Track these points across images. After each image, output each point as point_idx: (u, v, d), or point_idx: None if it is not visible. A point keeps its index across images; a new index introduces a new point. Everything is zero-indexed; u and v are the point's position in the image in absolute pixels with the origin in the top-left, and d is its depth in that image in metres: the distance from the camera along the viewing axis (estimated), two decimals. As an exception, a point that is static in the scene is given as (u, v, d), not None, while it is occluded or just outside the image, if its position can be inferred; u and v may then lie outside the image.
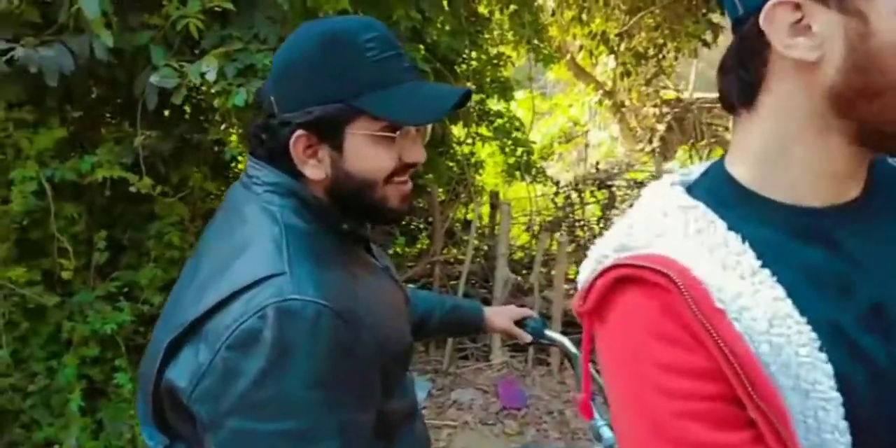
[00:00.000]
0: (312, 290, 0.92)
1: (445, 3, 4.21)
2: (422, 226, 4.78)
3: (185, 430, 1.00)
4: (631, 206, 0.78)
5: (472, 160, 4.88)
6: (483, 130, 4.79)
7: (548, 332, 1.69)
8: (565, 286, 4.11)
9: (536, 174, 4.99)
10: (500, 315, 1.68)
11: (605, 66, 9.47)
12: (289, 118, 1.02)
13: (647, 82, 9.08)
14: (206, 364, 0.91)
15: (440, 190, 4.67)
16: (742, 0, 0.67)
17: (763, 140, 0.69)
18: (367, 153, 1.02)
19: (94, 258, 2.77)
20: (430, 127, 1.13)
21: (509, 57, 4.93)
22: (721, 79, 0.73)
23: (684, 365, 0.62)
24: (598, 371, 0.78)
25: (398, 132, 1.01)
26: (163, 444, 1.05)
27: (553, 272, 4.27)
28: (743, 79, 0.70)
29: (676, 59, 8.53)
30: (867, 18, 0.60)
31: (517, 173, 4.83)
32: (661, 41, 8.12)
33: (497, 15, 5.08)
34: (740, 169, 0.72)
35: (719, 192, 0.71)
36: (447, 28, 4.31)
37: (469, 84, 4.58)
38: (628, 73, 8.66)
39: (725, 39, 6.52)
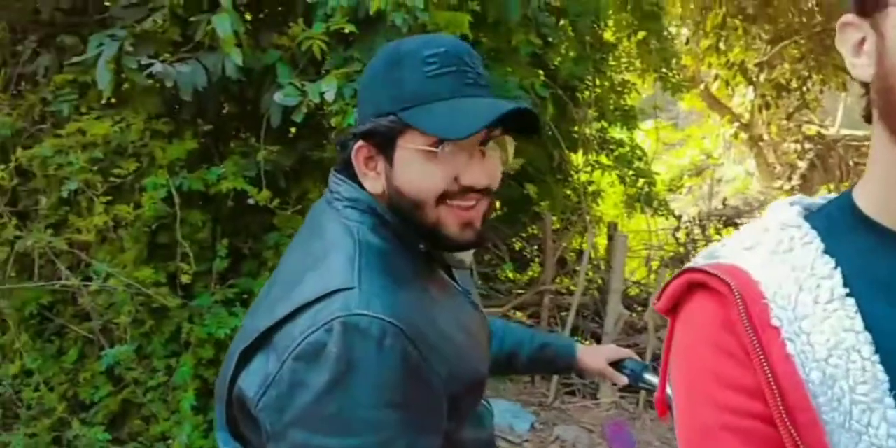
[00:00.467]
0: (380, 307, 0.91)
1: (570, 29, 4.19)
2: (534, 253, 4.72)
3: (255, 439, 1.00)
4: None
5: (590, 189, 4.78)
6: (603, 159, 4.69)
7: (647, 376, 1.56)
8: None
9: (658, 207, 4.81)
10: (595, 355, 1.58)
11: (743, 98, 9.09)
12: (354, 130, 1.05)
13: (789, 116, 8.61)
14: (274, 374, 0.92)
15: (554, 218, 4.60)
16: None
17: (874, 164, 0.67)
18: (416, 169, 0.99)
19: (215, 264, 2.92)
20: (508, 149, 1.07)
21: (634, 84, 4.83)
22: None
23: (734, 380, 0.61)
24: None
25: (440, 147, 0.98)
26: None
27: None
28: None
29: (822, 92, 8.05)
30: (885, 36, 0.60)
31: (637, 205, 4.67)
32: (805, 73, 7.73)
33: (625, 42, 5.00)
34: (863, 195, 0.68)
35: (835, 217, 0.68)
36: (571, 54, 4.29)
37: (591, 111, 4.52)
38: (768, 106, 8.28)
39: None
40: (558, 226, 4.72)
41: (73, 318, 2.89)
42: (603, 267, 4.68)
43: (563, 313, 4.29)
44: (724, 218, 4.79)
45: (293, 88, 2.74)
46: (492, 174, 1.03)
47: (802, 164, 8.98)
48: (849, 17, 0.64)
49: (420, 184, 1.00)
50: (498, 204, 4.86)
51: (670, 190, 8.94)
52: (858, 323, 0.59)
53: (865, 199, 0.67)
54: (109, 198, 2.59)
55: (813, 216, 0.69)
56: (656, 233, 5.12)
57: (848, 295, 0.61)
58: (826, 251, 0.64)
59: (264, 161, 2.84)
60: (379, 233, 1.02)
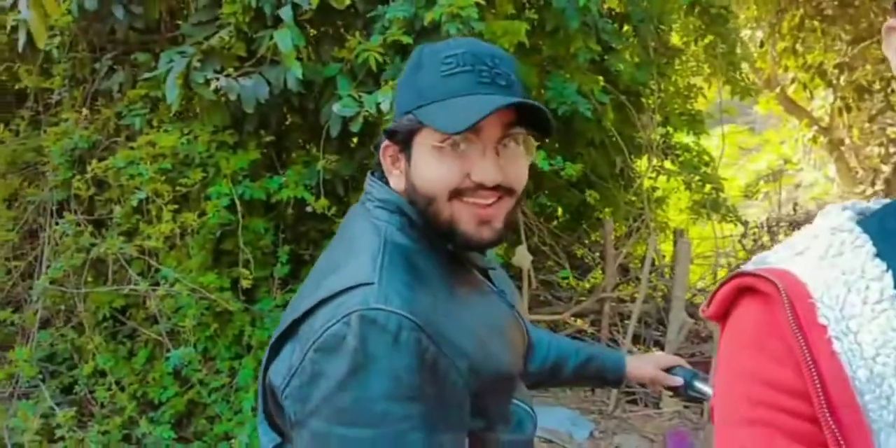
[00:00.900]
0: (398, 302, 0.93)
1: (631, 34, 4.14)
2: (596, 260, 4.67)
3: (287, 429, 1.04)
4: None
5: (655, 195, 4.69)
6: (668, 164, 4.60)
7: (698, 385, 1.52)
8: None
9: (727, 213, 4.68)
10: (646, 363, 1.55)
11: (823, 101, 8.74)
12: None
13: (871, 119, 8.22)
14: (297, 364, 0.95)
15: (617, 224, 4.53)
16: None
17: None
18: (429, 165, 1.02)
19: (276, 270, 3.02)
20: (531, 148, 1.08)
21: (700, 88, 4.72)
22: None
23: (771, 375, 0.62)
24: None
25: (447, 143, 1.00)
26: (273, 443, 1.11)
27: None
28: None
29: (907, 93, 7.67)
30: None
31: (703, 211, 4.56)
32: (888, 74, 7.36)
33: (692, 46, 4.90)
34: None
35: (888, 222, 0.67)
36: (635, 60, 4.23)
37: (656, 117, 4.44)
38: (849, 109, 7.93)
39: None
40: (621, 232, 4.66)
41: (143, 321, 3.04)
42: (667, 274, 4.59)
43: (625, 321, 4.23)
44: (795, 224, 4.60)
45: (351, 99, 2.82)
46: (508, 172, 1.03)
47: (886, 169, 8.55)
48: (893, 21, 0.64)
49: (432, 179, 1.02)
50: (559, 211, 4.83)
51: (746, 196, 8.66)
52: None
53: None
54: (176, 206, 2.72)
55: (866, 221, 0.69)
56: (725, 239, 4.98)
57: None
58: (878, 255, 0.63)
59: (324, 170, 2.93)
60: (406, 232, 1.05)
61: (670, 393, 1.57)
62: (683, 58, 4.88)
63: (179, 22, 3.08)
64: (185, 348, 2.68)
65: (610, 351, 1.62)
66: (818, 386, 0.58)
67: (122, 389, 2.87)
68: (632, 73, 3.97)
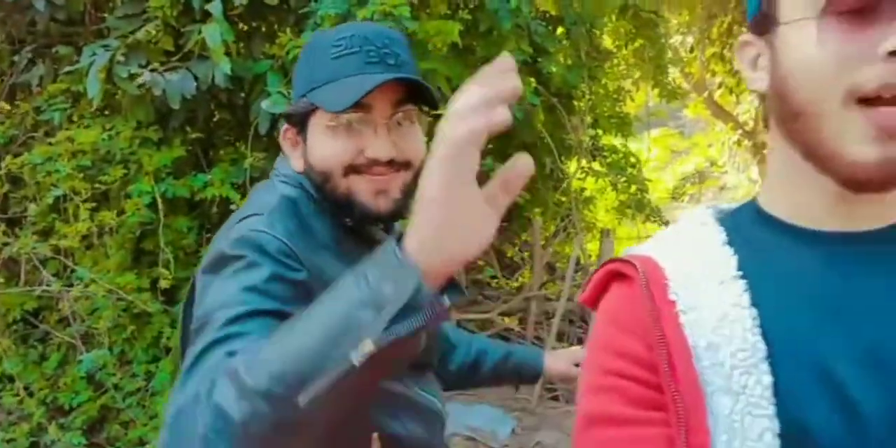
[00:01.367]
0: (281, 230, 0.99)
1: (564, 37, 4.20)
2: (525, 259, 4.73)
3: None
4: None
5: (583, 196, 4.78)
6: (596, 165, 4.70)
7: None
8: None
9: (650, 213, 4.82)
10: (562, 358, 1.56)
11: (749, 105, 9.06)
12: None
13: (792, 123, 8.55)
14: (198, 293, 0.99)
15: (546, 224, 4.61)
16: None
17: (772, 165, 0.75)
18: (323, 144, 1.06)
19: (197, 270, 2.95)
20: (423, 123, 1.12)
21: (629, 92, 4.83)
22: None
23: (622, 348, 0.68)
24: None
25: (338, 121, 1.03)
26: None
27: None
28: None
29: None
30: (776, 52, 0.68)
31: (628, 211, 4.68)
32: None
33: (623, 50, 5.01)
34: (764, 195, 0.76)
35: (741, 217, 0.76)
36: (567, 62, 4.29)
37: (587, 118, 4.52)
38: (770, 113, 8.23)
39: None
40: (550, 232, 4.73)
41: (57, 324, 2.93)
42: (592, 273, 4.68)
43: (551, 319, 4.31)
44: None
45: (280, 96, 2.77)
46: (403, 147, 1.06)
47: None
48: (746, 36, 0.72)
49: (325, 156, 1.06)
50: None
51: (673, 198, 8.93)
52: (745, 299, 0.66)
53: (766, 197, 0.75)
54: (95, 205, 2.63)
55: (724, 217, 0.77)
56: (646, 239, 5.10)
57: (742, 277, 0.68)
58: (728, 243, 0.72)
59: (251, 168, 2.88)
60: (305, 202, 1.09)
61: None
62: (614, 61, 4.98)
63: (105, 15, 2.97)
64: (99, 351, 2.60)
65: (529, 348, 1.66)
66: (664, 352, 0.65)
67: (31, 395, 2.77)
68: (563, 75, 4.03)
